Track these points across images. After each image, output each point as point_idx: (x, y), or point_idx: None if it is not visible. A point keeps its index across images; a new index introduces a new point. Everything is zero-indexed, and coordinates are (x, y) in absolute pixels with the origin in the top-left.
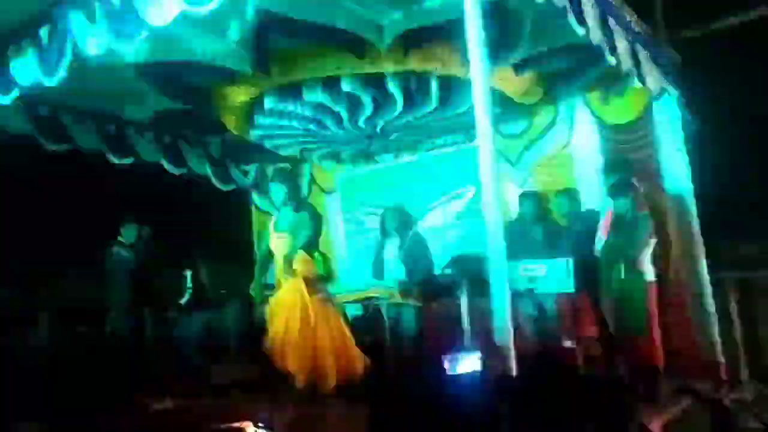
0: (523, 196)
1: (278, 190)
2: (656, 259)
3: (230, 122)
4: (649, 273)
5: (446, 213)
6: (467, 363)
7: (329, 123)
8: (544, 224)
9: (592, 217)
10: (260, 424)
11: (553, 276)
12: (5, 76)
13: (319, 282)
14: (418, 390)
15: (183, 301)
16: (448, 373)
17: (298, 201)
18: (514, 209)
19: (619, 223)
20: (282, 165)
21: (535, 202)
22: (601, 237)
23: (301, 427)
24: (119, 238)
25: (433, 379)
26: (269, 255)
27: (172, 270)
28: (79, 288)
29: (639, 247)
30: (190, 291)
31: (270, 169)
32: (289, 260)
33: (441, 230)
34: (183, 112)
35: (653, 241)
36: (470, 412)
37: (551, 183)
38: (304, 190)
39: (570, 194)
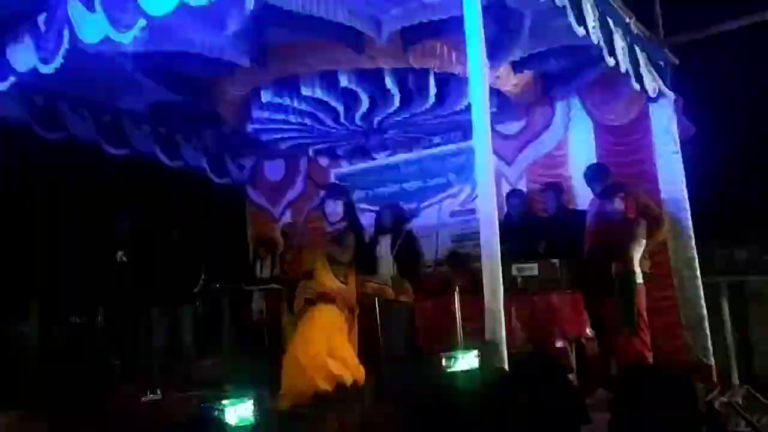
0: (511, 194)
1: (335, 207)
2: (648, 262)
3: (226, 115)
4: (641, 275)
5: (441, 211)
6: (463, 361)
7: (326, 118)
8: (531, 222)
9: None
10: None
11: (545, 275)
12: (2, 63)
13: None
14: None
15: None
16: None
17: (353, 219)
18: (502, 208)
19: (611, 225)
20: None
21: (522, 200)
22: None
23: None
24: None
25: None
26: None
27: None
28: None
29: (631, 248)
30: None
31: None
32: None
33: (435, 228)
34: (179, 104)
35: (645, 243)
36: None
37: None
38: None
39: (556, 189)
